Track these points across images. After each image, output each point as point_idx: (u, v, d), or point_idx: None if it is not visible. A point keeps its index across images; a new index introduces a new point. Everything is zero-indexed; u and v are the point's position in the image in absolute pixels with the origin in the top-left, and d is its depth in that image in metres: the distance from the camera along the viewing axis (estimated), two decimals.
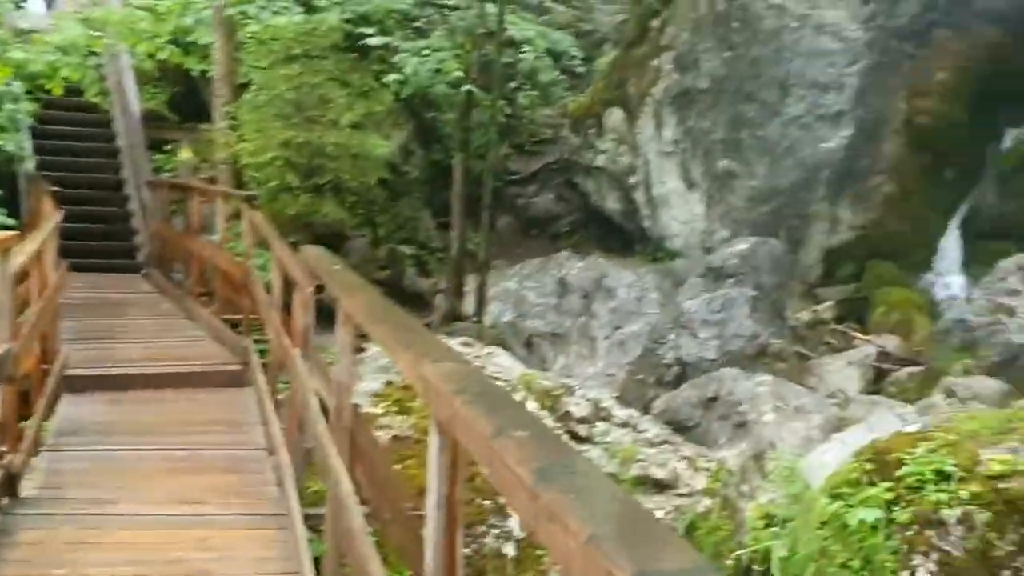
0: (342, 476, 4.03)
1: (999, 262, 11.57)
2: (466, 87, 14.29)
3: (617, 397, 9.44)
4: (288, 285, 7.42)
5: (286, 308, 7.45)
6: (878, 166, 14.73)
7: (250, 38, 14.53)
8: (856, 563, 6.45)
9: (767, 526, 7.07)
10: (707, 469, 8.26)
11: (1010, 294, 11.08)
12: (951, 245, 14.88)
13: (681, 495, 8.00)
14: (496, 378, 8.74)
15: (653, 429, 8.77)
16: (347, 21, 14.96)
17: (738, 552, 7.26)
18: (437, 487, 2.52)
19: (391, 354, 3.41)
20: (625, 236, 16.32)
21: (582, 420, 8.48)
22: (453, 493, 2.50)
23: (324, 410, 5.30)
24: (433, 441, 2.54)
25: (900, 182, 14.81)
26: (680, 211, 15.53)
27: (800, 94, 14.74)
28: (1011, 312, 10.97)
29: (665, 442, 8.58)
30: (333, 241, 13.83)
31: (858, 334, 13.29)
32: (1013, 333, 10.83)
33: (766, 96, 14.90)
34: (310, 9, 15.21)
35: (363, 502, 4.36)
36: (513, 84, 16.66)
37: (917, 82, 14.93)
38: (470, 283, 14.01)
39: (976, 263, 14.18)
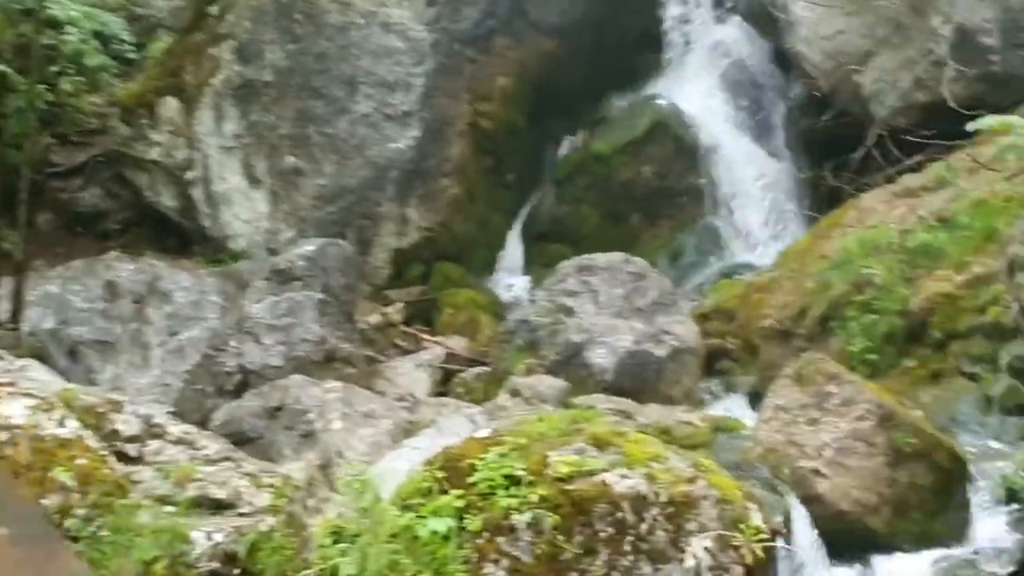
0: None
1: (559, 264, 11.93)
2: None
3: (172, 412, 8.66)
4: None
5: None
6: (445, 168, 14.89)
7: None
8: None
9: (335, 542, 6.65)
10: (271, 485, 7.75)
11: (569, 295, 11.40)
12: (514, 247, 15.36)
13: (243, 515, 7.43)
14: (30, 394, 7.70)
15: (213, 445, 8.11)
16: None
17: (304, 572, 6.80)
18: None
19: None
20: (183, 236, 15.39)
21: (132, 439, 7.65)
22: None
23: None
24: None
25: (465, 184, 15.07)
26: (243, 210, 14.85)
27: (368, 92, 14.60)
28: (570, 312, 11.30)
29: (226, 458, 7.97)
30: None
31: (426, 336, 13.35)
32: (572, 332, 11.14)
33: (334, 92, 14.64)
34: None
35: None
36: (55, 68, 15.16)
37: (479, 87, 15.28)
38: (4, 286, 12.54)
39: (537, 264, 14.75)
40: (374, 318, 13.23)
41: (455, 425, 9.04)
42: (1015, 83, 11.84)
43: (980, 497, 7.99)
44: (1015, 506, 7.63)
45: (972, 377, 9.75)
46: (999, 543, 7.57)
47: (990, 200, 10.44)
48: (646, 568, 5.95)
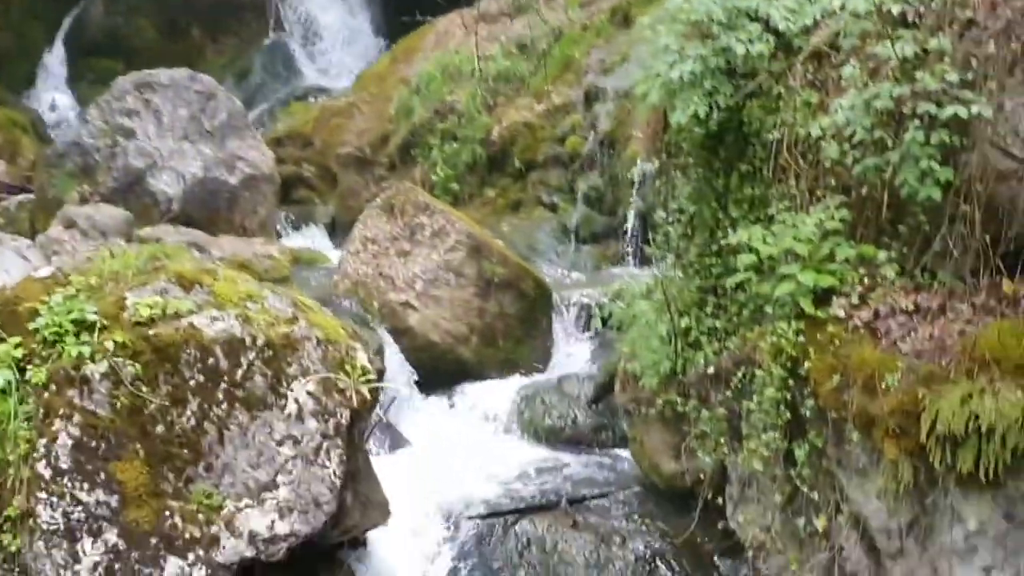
0: None
1: (115, 80, 10.74)
2: None
3: None
4: None
5: None
6: None
7: None
8: None
9: None
10: None
11: (128, 114, 10.36)
12: (56, 61, 13.80)
13: None
14: None
15: None
16: None
17: None
18: None
19: None
20: None
21: None
22: None
23: None
24: None
25: None
26: None
27: None
28: (129, 134, 10.27)
29: None
30: None
31: None
32: (132, 156, 10.19)
33: None
34: None
35: None
36: None
37: None
38: None
39: (84, 81, 13.38)
40: None
41: (3, 262, 7.99)
42: None
43: (563, 324, 8.20)
44: (596, 332, 7.86)
45: (551, 207, 9.95)
46: (581, 368, 7.80)
47: (567, 29, 10.51)
48: (242, 416, 5.46)
